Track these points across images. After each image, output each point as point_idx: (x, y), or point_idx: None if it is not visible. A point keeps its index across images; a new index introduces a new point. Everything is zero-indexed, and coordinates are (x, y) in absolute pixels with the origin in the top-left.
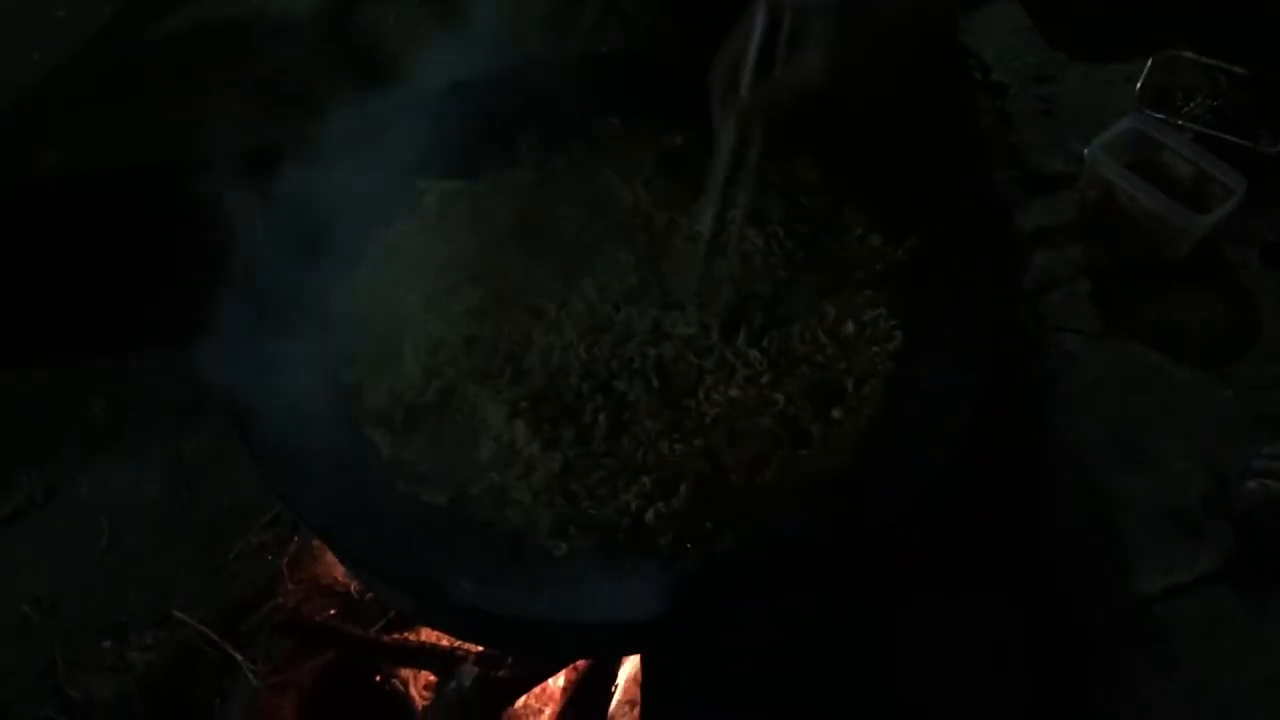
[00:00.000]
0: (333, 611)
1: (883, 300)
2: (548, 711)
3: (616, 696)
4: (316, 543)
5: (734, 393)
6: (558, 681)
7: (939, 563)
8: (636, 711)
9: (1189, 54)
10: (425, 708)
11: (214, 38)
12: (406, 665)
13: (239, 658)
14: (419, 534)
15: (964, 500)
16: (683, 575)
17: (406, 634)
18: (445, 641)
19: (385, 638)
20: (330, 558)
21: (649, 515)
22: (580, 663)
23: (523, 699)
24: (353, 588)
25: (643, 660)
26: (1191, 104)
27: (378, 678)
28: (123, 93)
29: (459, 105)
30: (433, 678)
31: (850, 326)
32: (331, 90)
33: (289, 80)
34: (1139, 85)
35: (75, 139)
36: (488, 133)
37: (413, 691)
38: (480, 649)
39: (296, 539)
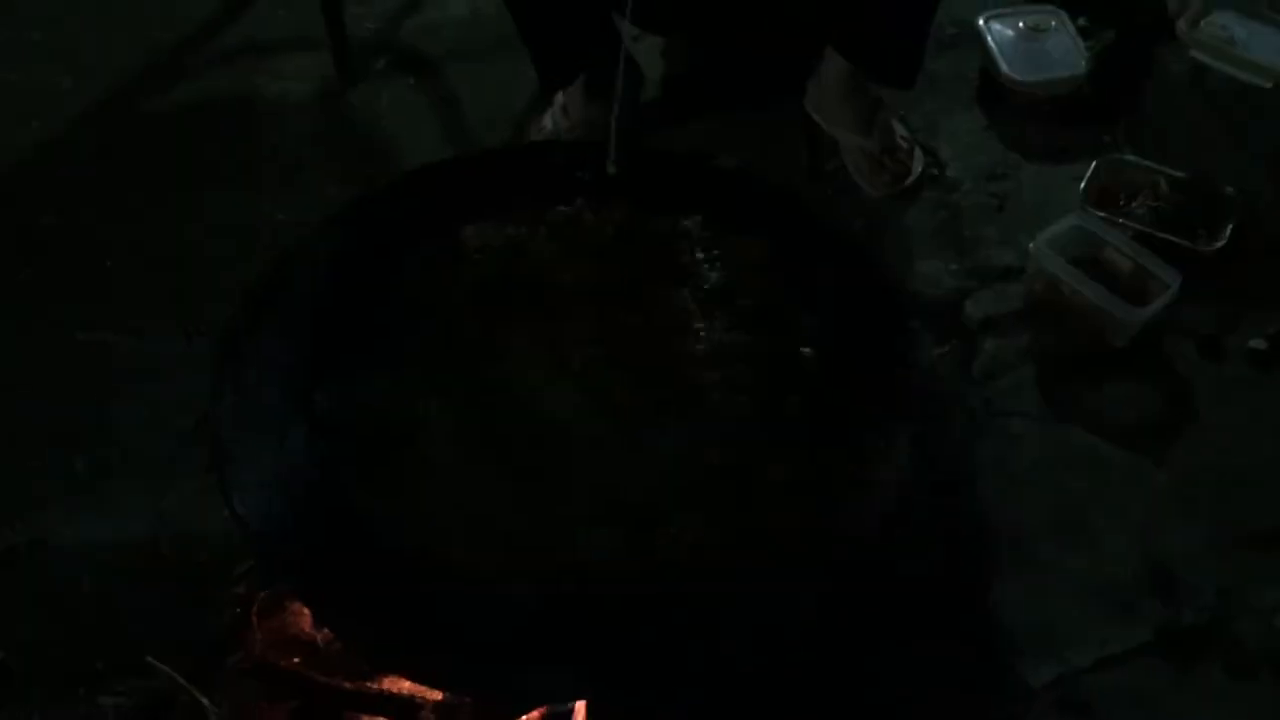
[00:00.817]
0: (297, 660)
1: None
2: None
3: None
4: (286, 595)
5: None
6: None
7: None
8: None
9: (1131, 157)
10: None
11: (211, 115)
12: (367, 712)
13: (205, 703)
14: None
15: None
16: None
17: (367, 682)
18: (405, 690)
19: (347, 684)
20: (297, 608)
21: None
22: (536, 713)
23: None
24: (319, 638)
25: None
26: (1133, 203)
27: None
28: (117, 158)
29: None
30: None
31: None
32: (324, 169)
33: (282, 159)
34: (1083, 185)
35: (69, 207)
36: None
37: None
38: (438, 697)
39: (264, 594)
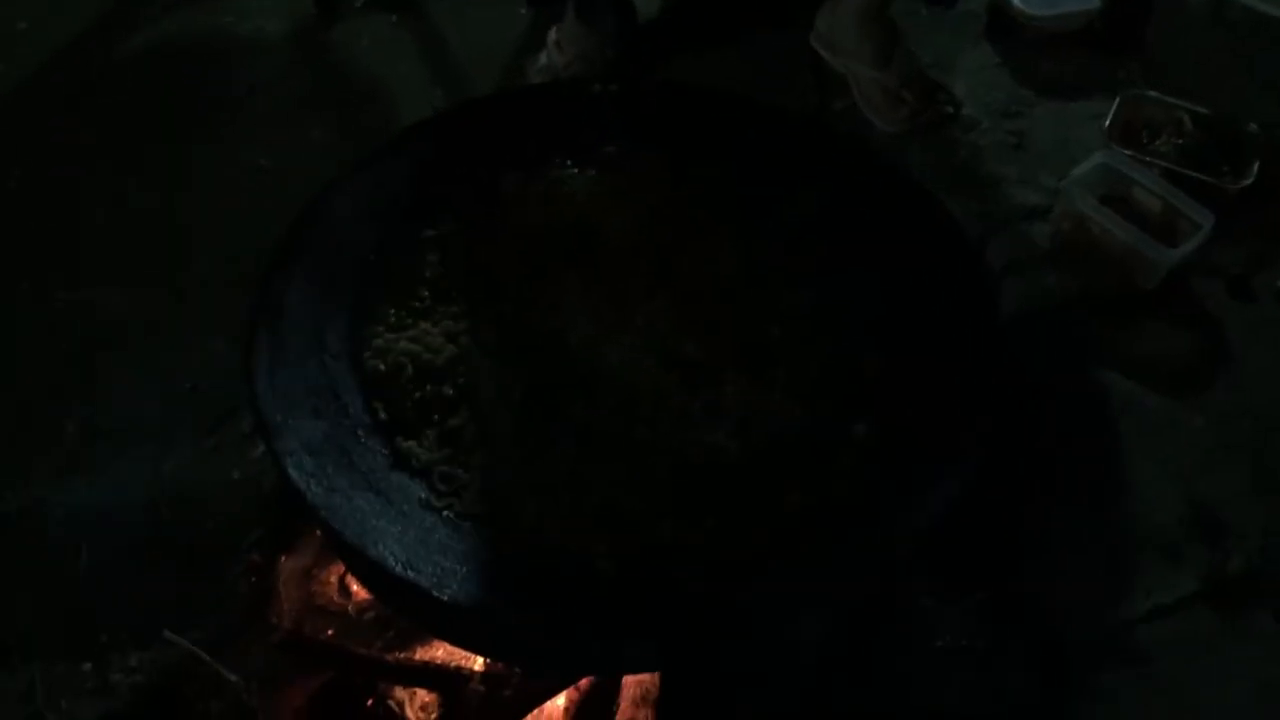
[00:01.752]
0: (330, 631)
1: None
2: None
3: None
4: (310, 563)
5: None
6: (558, 702)
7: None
8: None
9: (1154, 93)
10: None
11: (179, 58)
12: (408, 684)
13: (232, 678)
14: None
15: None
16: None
17: (405, 653)
18: (448, 660)
19: (387, 656)
20: (326, 577)
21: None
22: (583, 682)
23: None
24: (349, 607)
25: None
26: (1157, 141)
27: (370, 700)
28: (85, 110)
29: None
30: (430, 698)
31: None
32: (307, 113)
33: (261, 104)
34: (1107, 123)
35: (36, 163)
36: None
37: (409, 712)
38: (484, 668)
39: (285, 559)
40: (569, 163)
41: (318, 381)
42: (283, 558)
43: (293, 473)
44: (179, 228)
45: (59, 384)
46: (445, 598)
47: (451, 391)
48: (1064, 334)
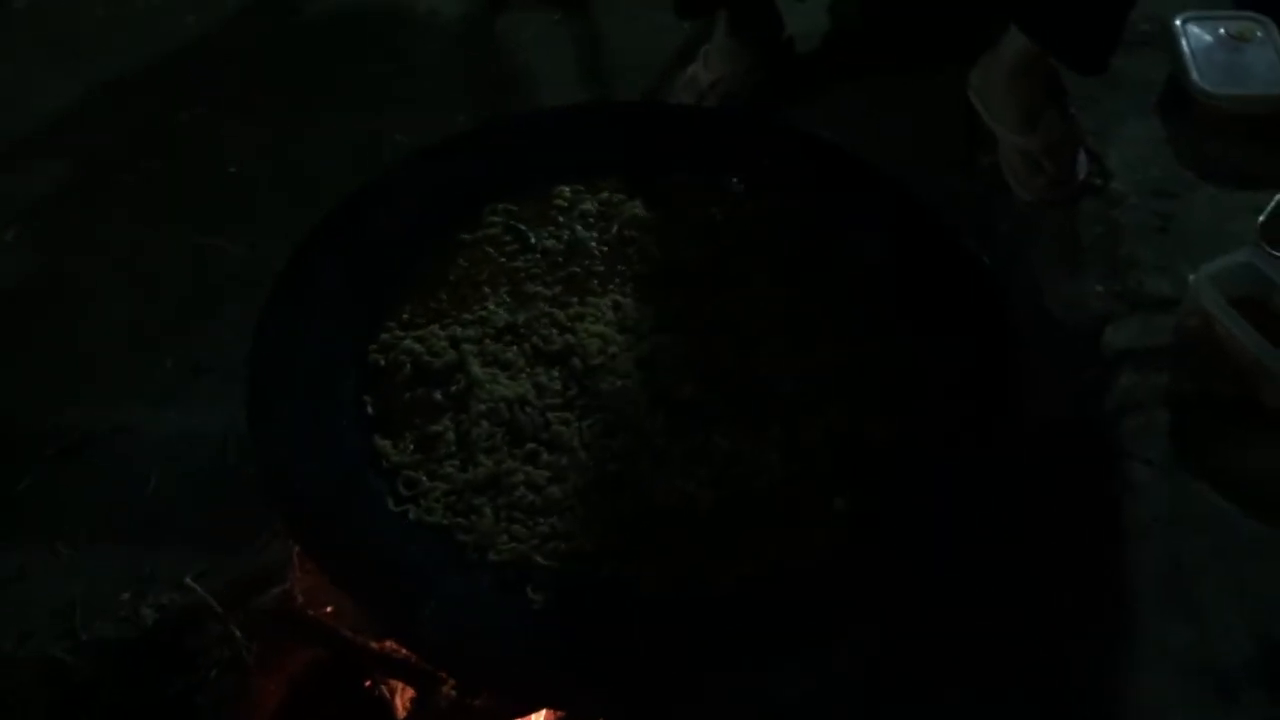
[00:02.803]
0: (329, 609)
1: None
2: None
3: None
4: None
5: None
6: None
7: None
8: None
9: None
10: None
11: (357, 26)
12: (388, 676)
13: (237, 634)
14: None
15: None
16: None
17: (393, 646)
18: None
19: (372, 644)
20: None
21: None
22: None
23: None
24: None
25: None
26: None
27: (369, 682)
28: (255, 67)
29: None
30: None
31: None
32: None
33: (419, 80)
34: (1262, 219)
35: (204, 106)
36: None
37: (398, 702)
38: None
39: None
40: (620, 183)
41: (316, 365)
42: None
43: (261, 446)
44: (310, 188)
45: (174, 321)
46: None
47: (441, 397)
48: (1164, 435)
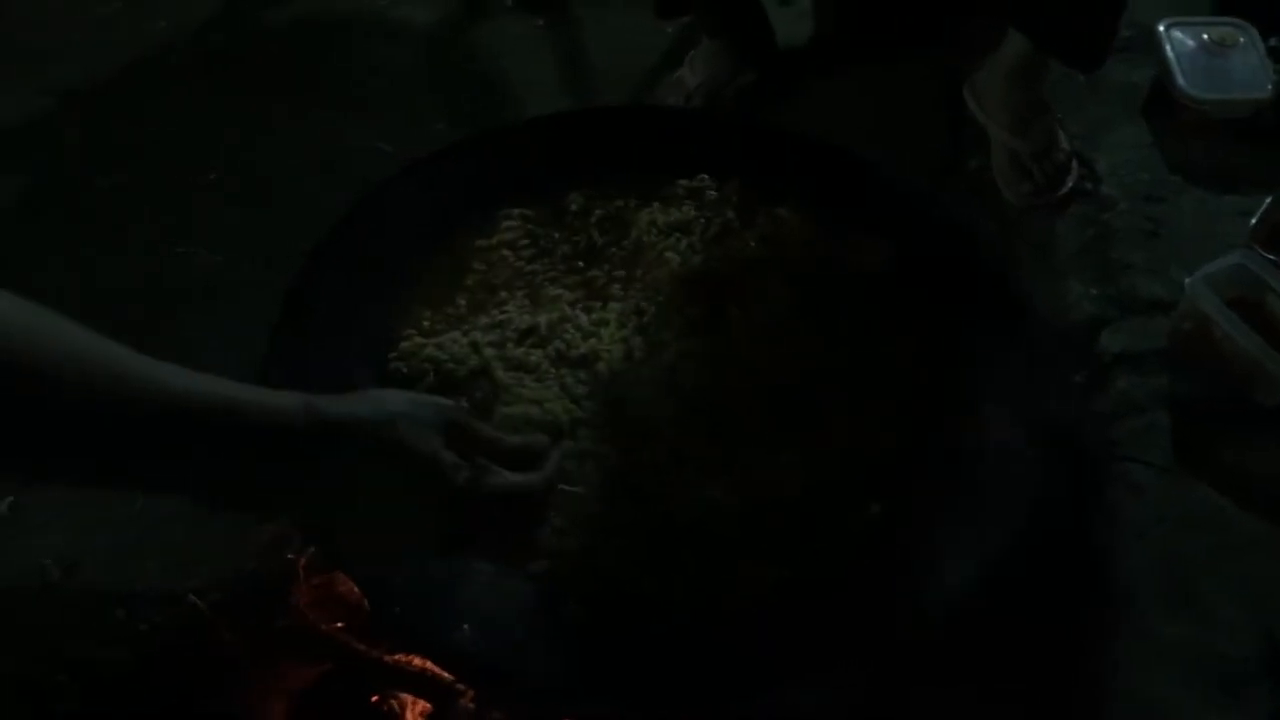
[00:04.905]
0: (339, 624)
1: None
2: None
3: None
4: None
5: None
6: None
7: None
8: None
9: None
10: None
11: (329, 33)
12: (403, 690)
13: (239, 651)
14: None
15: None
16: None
17: (406, 658)
18: (443, 672)
19: (386, 658)
20: None
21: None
22: None
23: None
24: (365, 601)
25: None
26: None
27: (375, 697)
28: (226, 74)
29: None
30: (429, 706)
31: None
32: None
33: (396, 88)
34: (1253, 221)
35: (175, 113)
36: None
37: (409, 716)
38: None
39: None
40: (634, 188)
41: (333, 375)
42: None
43: None
44: (287, 199)
45: (137, 330)
46: None
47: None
48: (1162, 435)
